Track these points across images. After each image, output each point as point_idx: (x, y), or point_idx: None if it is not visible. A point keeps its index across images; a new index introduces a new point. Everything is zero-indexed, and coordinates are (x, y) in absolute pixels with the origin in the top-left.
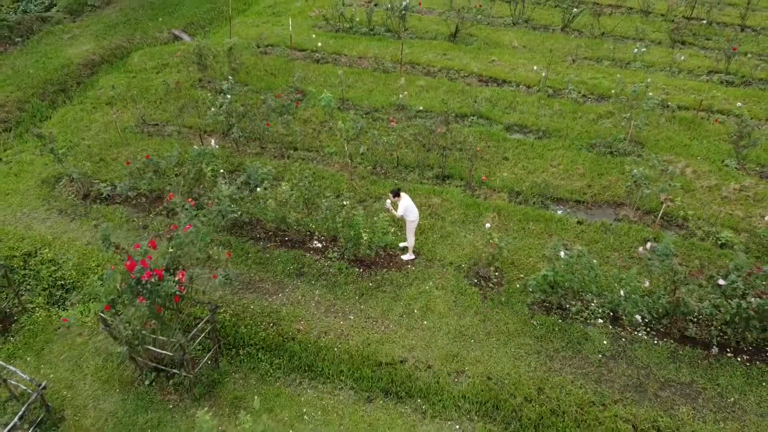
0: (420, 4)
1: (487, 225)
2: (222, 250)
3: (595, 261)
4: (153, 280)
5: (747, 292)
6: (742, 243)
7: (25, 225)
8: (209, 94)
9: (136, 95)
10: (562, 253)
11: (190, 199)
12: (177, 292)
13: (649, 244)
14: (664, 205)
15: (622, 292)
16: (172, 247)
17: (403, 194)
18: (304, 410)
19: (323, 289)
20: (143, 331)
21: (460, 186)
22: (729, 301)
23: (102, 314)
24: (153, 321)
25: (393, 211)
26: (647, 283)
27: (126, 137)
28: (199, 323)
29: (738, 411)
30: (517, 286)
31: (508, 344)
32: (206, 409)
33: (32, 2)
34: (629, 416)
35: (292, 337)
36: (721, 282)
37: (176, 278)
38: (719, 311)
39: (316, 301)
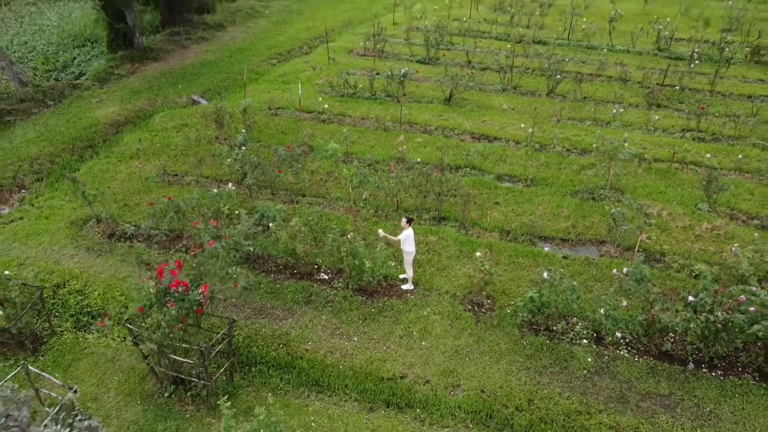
0: (417, 72)
1: (478, 254)
2: (239, 270)
3: (575, 283)
4: (180, 289)
5: (714, 308)
6: (714, 273)
7: (54, 260)
8: (225, 148)
9: (158, 149)
10: (545, 274)
11: (213, 221)
12: (200, 303)
13: (625, 270)
14: (639, 240)
15: (602, 311)
16: (195, 264)
17: (410, 229)
18: (312, 419)
19: (329, 314)
20: (171, 334)
21: (455, 227)
22: (698, 316)
23: (129, 325)
24: (180, 324)
25: (389, 237)
26: (624, 303)
27: (148, 186)
28: (217, 338)
29: (714, 419)
30: (508, 311)
31: (500, 361)
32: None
33: (63, 72)
34: (613, 424)
35: (301, 356)
36: (691, 298)
37: (200, 290)
38: (690, 325)
39: (323, 325)
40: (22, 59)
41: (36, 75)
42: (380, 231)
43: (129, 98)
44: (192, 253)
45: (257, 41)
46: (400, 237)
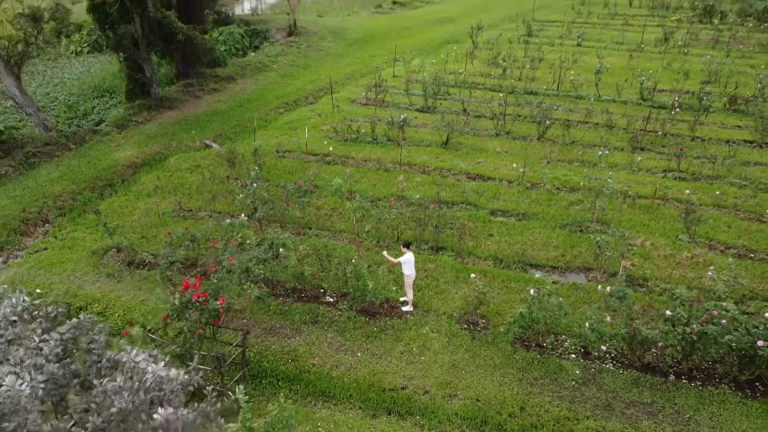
0: (416, 118)
1: (473, 276)
2: (252, 286)
3: (561, 299)
4: (201, 299)
5: (690, 321)
6: (694, 295)
7: (77, 285)
8: (237, 186)
9: (174, 187)
10: (532, 291)
11: (233, 240)
12: (217, 314)
13: (608, 288)
14: (623, 265)
15: (588, 324)
16: (216, 279)
17: (409, 252)
18: (319, 424)
19: (334, 333)
20: (191, 340)
21: (452, 255)
22: (675, 328)
23: (151, 334)
24: (199, 331)
25: (389, 258)
26: (608, 318)
27: (164, 220)
28: (232, 347)
29: (693, 424)
30: (501, 329)
31: (494, 374)
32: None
33: (84, 119)
34: (599, 429)
35: (308, 370)
36: (668, 312)
37: (218, 302)
38: (668, 337)
39: (328, 342)
40: (46, 108)
41: (59, 122)
42: (384, 253)
43: (146, 142)
44: (212, 269)
45: (266, 92)
46: (400, 259)
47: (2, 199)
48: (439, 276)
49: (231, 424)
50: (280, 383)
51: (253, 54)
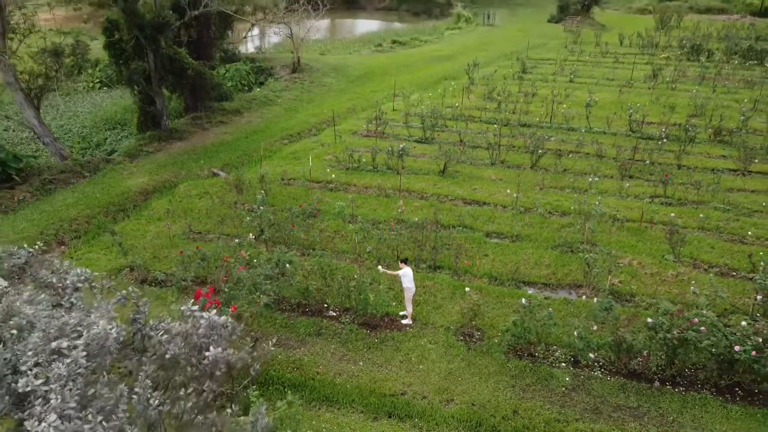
0: (414, 148)
1: (468, 289)
2: (260, 295)
3: (551, 309)
4: (214, 306)
5: (672, 328)
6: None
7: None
8: (245, 211)
9: (184, 212)
10: (523, 300)
11: (242, 252)
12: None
13: (595, 299)
14: (610, 280)
15: (576, 332)
16: (226, 288)
17: (407, 267)
18: (323, 426)
19: (337, 344)
20: None
21: (448, 273)
22: (657, 334)
23: None
24: None
25: (388, 271)
26: (595, 327)
27: (175, 242)
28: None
29: (676, 426)
30: (495, 341)
31: (489, 381)
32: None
33: (97, 149)
34: (588, 430)
35: (312, 378)
36: (650, 320)
37: (230, 309)
38: (651, 343)
39: (332, 352)
40: (61, 139)
41: (73, 151)
42: (379, 267)
43: (156, 171)
44: (223, 279)
45: (271, 125)
46: (398, 272)
47: (21, 222)
48: (436, 292)
49: (243, 417)
50: (286, 389)
51: (258, 89)
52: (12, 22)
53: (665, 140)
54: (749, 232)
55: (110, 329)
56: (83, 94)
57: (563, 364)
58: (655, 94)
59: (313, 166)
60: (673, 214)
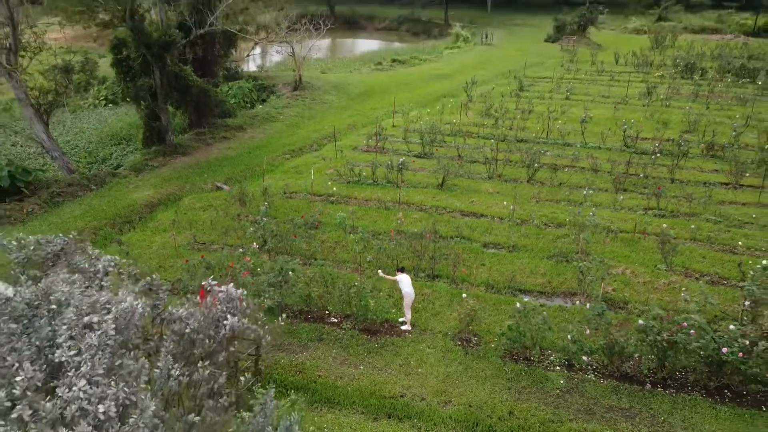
0: (413, 162)
1: (465, 296)
2: (264, 300)
3: (545, 313)
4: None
5: (661, 331)
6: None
7: None
8: (248, 222)
9: (188, 224)
10: (518, 305)
11: (247, 258)
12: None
13: (588, 305)
14: (603, 287)
15: (569, 336)
16: None
17: (404, 274)
18: (325, 426)
19: (339, 349)
20: None
21: (447, 282)
22: (647, 337)
23: None
24: None
25: (386, 277)
26: (587, 331)
27: (180, 252)
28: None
29: (667, 426)
30: (492, 345)
31: (485, 383)
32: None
33: (104, 164)
34: (581, 430)
35: (314, 381)
36: (641, 322)
37: None
38: (641, 345)
39: (333, 357)
40: (68, 154)
41: (80, 165)
42: (379, 271)
43: (161, 184)
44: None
45: (273, 140)
46: (396, 278)
47: (30, 234)
48: (435, 300)
49: (246, 413)
50: (289, 392)
51: (260, 106)
52: (23, 40)
53: (659, 155)
54: (739, 243)
55: (136, 305)
56: (89, 110)
57: (558, 368)
58: (649, 110)
59: (314, 180)
60: (665, 225)
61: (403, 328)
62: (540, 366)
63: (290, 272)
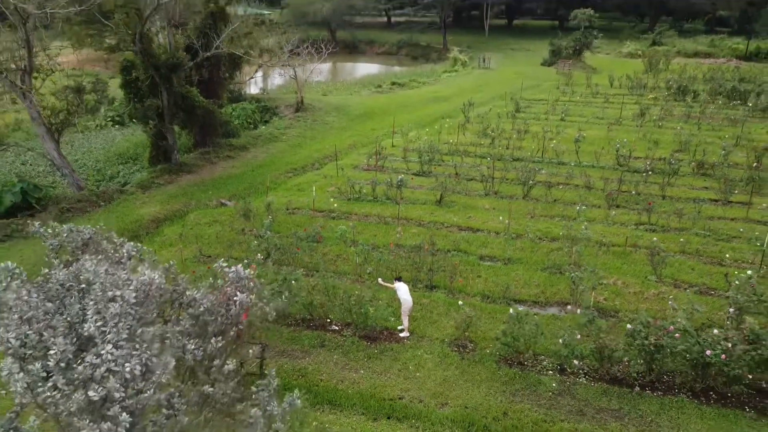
0: (412, 179)
1: (461, 303)
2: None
3: (537, 317)
4: None
5: (649, 335)
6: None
7: None
8: (252, 236)
9: (194, 238)
10: (511, 310)
11: (253, 266)
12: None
13: (578, 310)
14: (593, 296)
15: (561, 340)
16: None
17: (401, 282)
18: (327, 426)
19: (340, 354)
20: None
21: (444, 292)
22: (635, 341)
23: None
24: None
25: (386, 284)
26: (578, 336)
27: (186, 264)
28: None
29: (654, 426)
30: (487, 351)
31: (481, 387)
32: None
33: (111, 181)
34: (573, 430)
35: (316, 384)
36: (629, 326)
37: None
38: (630, 349)
39: (334, 362)
40: (76, 172)
41: (88, 183)
42: (379, 279)
43: (167, 201)
44: None
45: (276, 159)
46: (395, 285)
47: (42, 246)
48: (432, 309)
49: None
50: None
51: (263, 127)
52: (36, 63)
53: (650, 173)
54: (727, 255)
55: (154, 277)
56: (96, 131)
57: (550, 372)
58: (642, 131)
59: (316, 197)
60: (655, 239)
61: (402, 335)
62: (533, 370)
63: (293, 282)
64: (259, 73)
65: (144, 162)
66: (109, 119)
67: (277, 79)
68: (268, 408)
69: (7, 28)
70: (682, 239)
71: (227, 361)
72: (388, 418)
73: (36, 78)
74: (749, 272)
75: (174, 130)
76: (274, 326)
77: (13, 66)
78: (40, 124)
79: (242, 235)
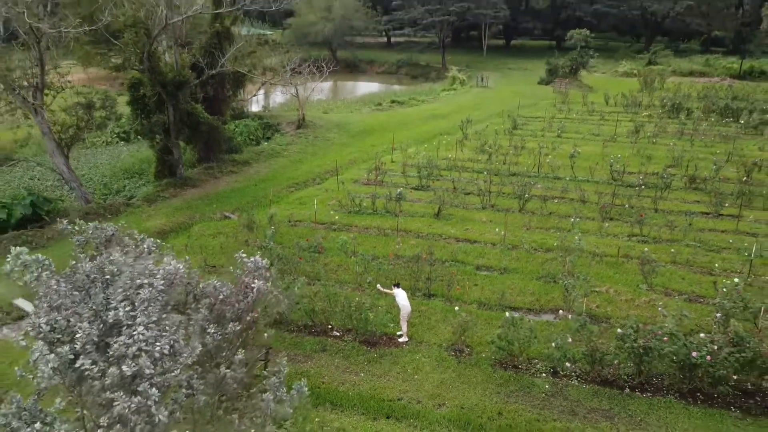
0: (411, 193)
1: (457, 308)
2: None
3: (531, 322)
4: None
5: (638, 338)
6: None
7: None
8: (256, 247)
9: (201, 247)
10: (507, 314)
11: None
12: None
13: (569, 316)
14: (585, 302)
15: (553, 344)
16: None
17: (400, 289)
18: (328, 422)
19: (341, 359)
20: None
21: (442, 300)
22: (625, 344)
23: None
24: None
25: (384, 290)
26: (570, 339)
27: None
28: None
29: (643, 425)
30: (483, 355)
31: (476, 388)
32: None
33: (118, 195)
34: (565, 428)
35: (318, 386)
36: (619, 330)
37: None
38: (619, 351)
39: (336, 365)
40: (83, 186)
41: (96, 197)
42: (378, 285)
43: (173, 214)
44: None
45: (278, 174)
46: (394, 292)
47: (51, 256)
48: (430, 316)
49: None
50: None
51: (266, 143)
52: (47, 80)
53: (643, 187)
54: (716, 265)
55: (179, 267)
56: (102, 147)
57: (544, 375)
58: (636, 147)
59: (318, 209)
60: (646, 249)
61: (401, 340)
62: (527, 373)
63: (296, 289)
64: (261, 91)
65: (149, 176)
66: (115, 135)
67: (279, 96)
68: (278, 393)
69: (20, 47)
70: (673, 250)
71: (240, 350)
72: (388, 417)
73: (47, 95)
74: (736, 280)
75: (179, 145)
76: (277, 331)
77: (26, 83)
78: (50, 139)
79: (246, 246)
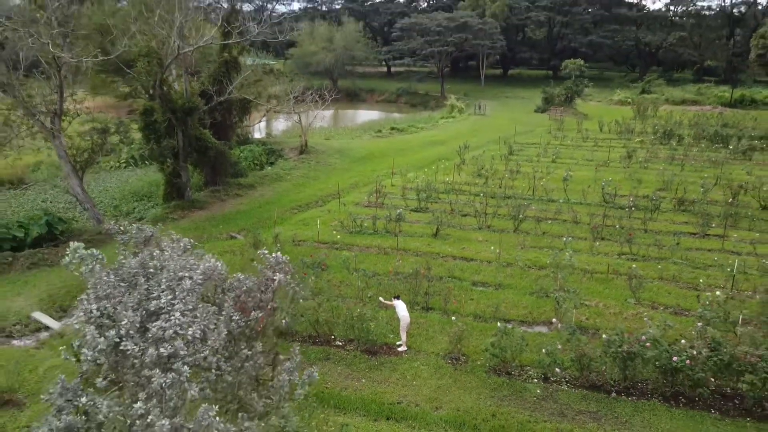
0: (410, 214)
1: (454, 318)
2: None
3: (522, 330)
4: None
5: (623, 344)
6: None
7: None
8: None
9: None
10: (499, 324)
11: None
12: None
13: (560, 325)
14: (575, 314)
15: (544, 350)
16: None
17: (399, 300)
18: (331, 426)
19: (343, 366)
20: None
21: (439, 313)
22: (610, 349)
23: None
24: None
25: (385, 302)
26: (559, 346)
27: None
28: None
29: (628, 425)
30: (478, 363)
31: (471, 393)
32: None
33: (127, 217)
34: (555, 429)
35: (322, 391)
36: (605, 336)
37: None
38: (605, 356)
39: (338, 372)
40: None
41: (106, 217)
42: (380, 298)
43: (181, 234)
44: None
45: (281, 197)
46: (394, 303)
47: (67, 274)
48: (428, 327)
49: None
50: None
51: (270, 168)
52: (65, 106)
53: (634, 209)
54: (701, 281)
55: (217, 264)
56: (111, 172)
57: (535, 380)
58: (628, 171)
59: (320, 230)
60: (634, 266)
61: (400, 349)
62: (519, 379)
63: (300, 301)
64: (265, 119)
65: (157, 199)
66: (123, 161)
67: (282, 123)
68: (291, 377)
69: (41, 76)
70: (660, 267)
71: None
72: (388, 419)
73: (63, 120)
74: (718, 293)
75: (188, 169)
76: (283, 342)
77: (44, 109)
78: (66, 162)
79: (252, 263)
